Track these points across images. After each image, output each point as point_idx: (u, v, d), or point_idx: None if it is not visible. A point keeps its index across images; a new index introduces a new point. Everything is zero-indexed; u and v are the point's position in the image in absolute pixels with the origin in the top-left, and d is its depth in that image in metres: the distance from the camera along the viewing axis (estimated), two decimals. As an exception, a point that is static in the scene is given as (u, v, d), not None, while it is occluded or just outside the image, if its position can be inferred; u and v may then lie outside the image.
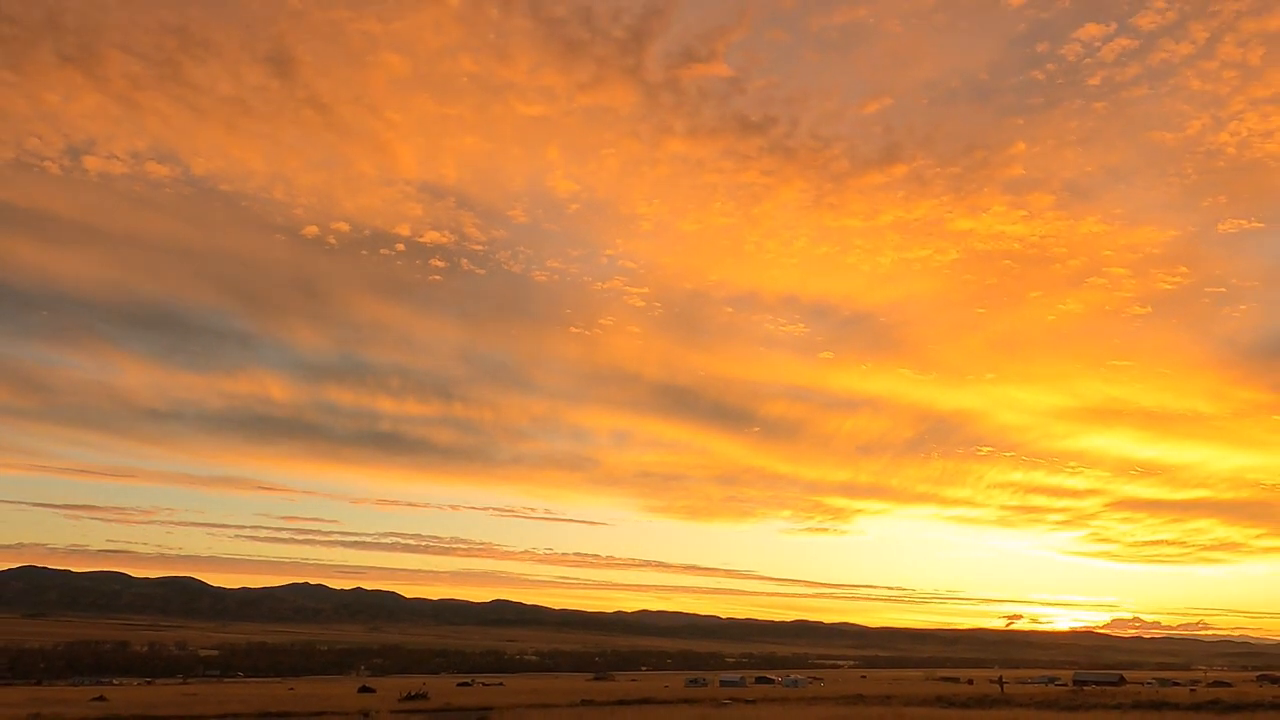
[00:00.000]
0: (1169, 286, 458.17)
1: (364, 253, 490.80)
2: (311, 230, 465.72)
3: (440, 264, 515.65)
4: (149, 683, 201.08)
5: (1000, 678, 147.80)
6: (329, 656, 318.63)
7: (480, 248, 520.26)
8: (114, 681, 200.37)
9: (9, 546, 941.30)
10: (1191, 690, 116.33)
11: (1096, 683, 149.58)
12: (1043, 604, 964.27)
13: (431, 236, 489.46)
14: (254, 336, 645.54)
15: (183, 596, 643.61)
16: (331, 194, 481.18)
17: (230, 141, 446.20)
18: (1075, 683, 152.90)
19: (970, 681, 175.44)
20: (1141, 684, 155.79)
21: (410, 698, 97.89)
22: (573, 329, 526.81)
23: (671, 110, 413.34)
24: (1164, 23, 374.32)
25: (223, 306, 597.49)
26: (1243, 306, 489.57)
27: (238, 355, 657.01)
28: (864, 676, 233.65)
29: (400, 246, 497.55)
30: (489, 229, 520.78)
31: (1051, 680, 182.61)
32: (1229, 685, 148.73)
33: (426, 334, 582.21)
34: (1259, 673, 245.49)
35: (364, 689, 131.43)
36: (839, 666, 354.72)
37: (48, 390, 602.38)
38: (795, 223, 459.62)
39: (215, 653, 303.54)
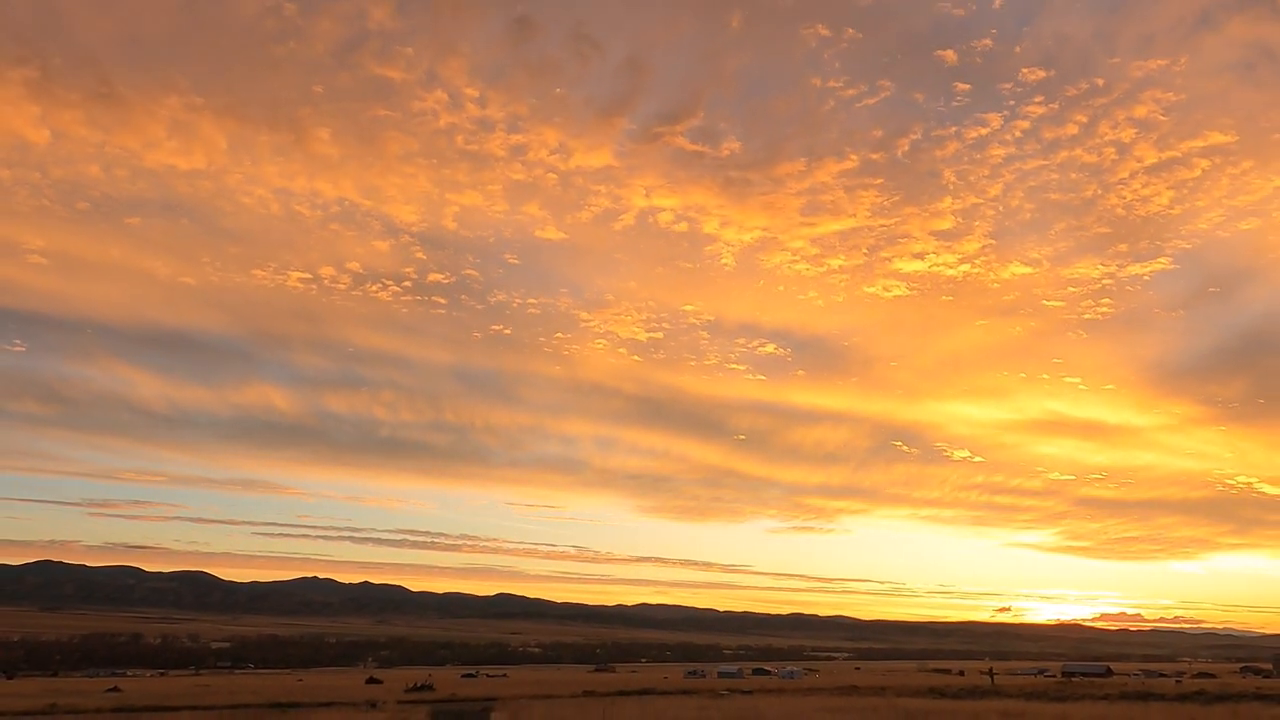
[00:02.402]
0: (1097, 317, 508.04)
1: (374, 287, 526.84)
2: (326, 271, 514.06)
3: (441, 300, 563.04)
4: (162, 674, 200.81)
5: (991, 669, 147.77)
6: (337, 649, 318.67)
7: (479, 286, 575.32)
8: (128, 673, 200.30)
9: (32, 543, 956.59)
10: (1177, 681, 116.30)
11: (1084, 674, 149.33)
12: (1027, 598, 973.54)
13: (434, 277, 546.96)
14: (255, 355, 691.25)
15: (195, 590, 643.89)
16: (342, 244, 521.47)
17: (252, 199, 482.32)
18: (1064, 674, 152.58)
19: (962, 673, 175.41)
20: (1128, 675, 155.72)
21: (416, 689, 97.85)
22: (563, 352, 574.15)
23: (637, 173, 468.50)
24: (1048, 113, 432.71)
25: (228, 331, 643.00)
26: (1166, 333, 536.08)
27: (241, 370, 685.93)
28: (858, 668, 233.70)
29: (407, 284, 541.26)
30: (486, 270, 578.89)
31: (1041, 672, 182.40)
32: (1213, 676, 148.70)
33: (422, 356, 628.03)
34: (1242, 664, 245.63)
35: (371, 680, 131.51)
36: (834, 658, 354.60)
37: (67, 401, 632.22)
38: (753, 267, 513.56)
39: (226, 645, 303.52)
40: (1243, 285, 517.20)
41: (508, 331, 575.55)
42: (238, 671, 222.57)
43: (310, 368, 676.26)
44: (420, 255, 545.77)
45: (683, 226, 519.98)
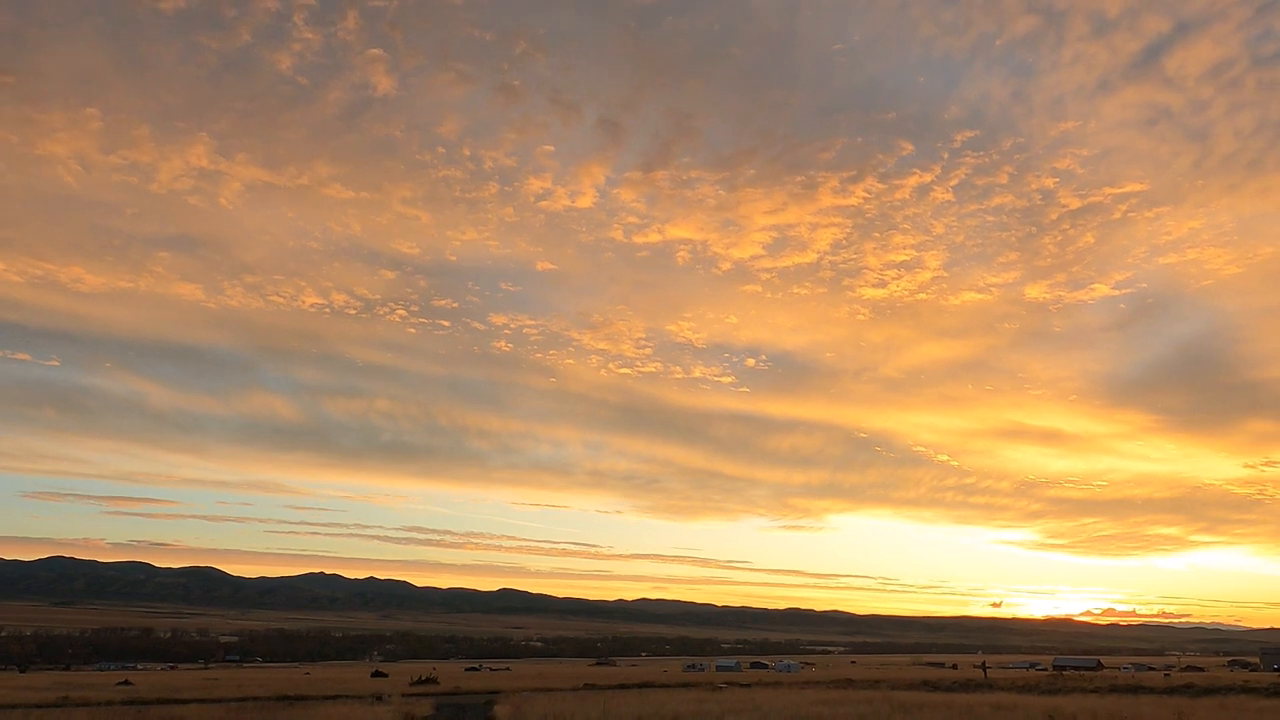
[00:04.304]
0: (1050, 336, 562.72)
1: (381, 311, 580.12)
2: (339, 298, 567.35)
3: (445, 323, 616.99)
4: (172, 668, 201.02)
5: (983, 663, 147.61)
6: (343, 643, 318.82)
7: (479, 310, 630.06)
8: (138, 666, 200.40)
9: (53, 540, 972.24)
10: (1166, 675, 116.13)
11: (1075, 667, 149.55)
12: (1015, 594, 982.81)
13: (438, 302, 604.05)
14: (259, 368, 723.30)
15: (204, 585, 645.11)
16: (352, 274, 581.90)
17: (270, 237, 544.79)
18: (1055, 667, 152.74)
19: (955, 666, 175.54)
20: (1118, 669, 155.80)
21: (421, 682, 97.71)
22: (558, 367, 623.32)
23: (616, 215, 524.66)
24: (980, 163, 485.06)
25: (235, 348, 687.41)
26: (1112, 351, 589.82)
27: (246, 380, 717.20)
28: (854, 662, 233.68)
29: (414, 308, 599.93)
30: (485, 295, 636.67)
31: (1032, 665, 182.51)
32: (1201, 670, 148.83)
33: (427, 370, 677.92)
34: (1230, 658, 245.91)
35: (377, 674, 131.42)
36: (830, 652, 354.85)
37: (84, 409, 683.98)
38: (728, 294, 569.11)
39: (235, 639, 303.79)
40: (1175, 311, 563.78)
41: (507, 349, 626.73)
42: (246, 665, 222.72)
43: (312, 381, 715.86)
44: (424, 283, 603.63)
45: (662, 260, 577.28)
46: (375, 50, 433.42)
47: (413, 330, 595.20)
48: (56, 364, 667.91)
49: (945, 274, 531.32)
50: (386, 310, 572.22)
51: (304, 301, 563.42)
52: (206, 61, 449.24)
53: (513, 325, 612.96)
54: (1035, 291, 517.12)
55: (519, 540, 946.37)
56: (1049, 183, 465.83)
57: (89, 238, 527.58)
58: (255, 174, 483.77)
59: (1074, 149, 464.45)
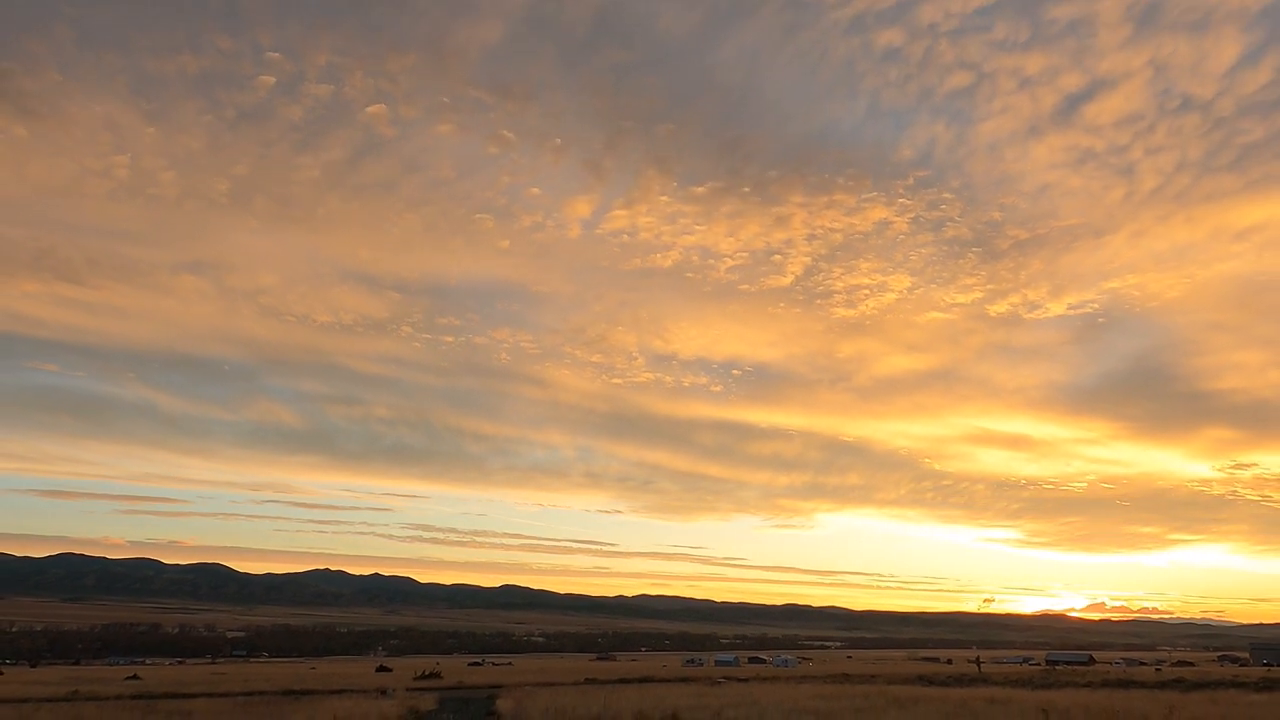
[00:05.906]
0: (1013, 350, 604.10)
1: (389, 327, 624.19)
2: (347, 317, 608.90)
3: (448, 339, 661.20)
4: (180, 663, 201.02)
5: (978, 658, 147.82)
6: (348, 638, 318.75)
7: (479, 327, 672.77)
8: (147, 661, 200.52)
9: (64, 538, 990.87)
10: (1157, 670, 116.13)
11: (1068, 662, 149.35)
12: (1007, 590, 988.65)
13: (441, 320, 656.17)
14: (263, 377, 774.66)
15: (211, 582, 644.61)
16: (357, 297, 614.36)
17: (284, 264, 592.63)
18: (1048, 662, 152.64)
19: (950, 661, 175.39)
20: (1110, 664, 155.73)
21: (425, 676, 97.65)
22: (554, 377, 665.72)
23: (603, 244, 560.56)
24: (931, 198, 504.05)
25: (241, 359, 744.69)
26: (1074, 363, 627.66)
27: (249, 388, 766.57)
28: (850, 657, 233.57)
29: (419, 325, 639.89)
30: (484, 314, 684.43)
31: (1026, 660, 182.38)
32: (1192, 665, 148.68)
33: (424, 380, 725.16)
34: (1219, 653, 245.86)
35: (381, 668, 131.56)
36: (827, 647, 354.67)
37: (96, 415, 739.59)
38: (704, 316, 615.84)
39: (242, 634, 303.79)
40: (1126, 328, 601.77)
41: (505, 360, 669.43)
42: (253, 660, 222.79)
43: (316, 390, 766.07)
44: (427, 303, 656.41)
45: (647, 283, 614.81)
46: (378, 106, 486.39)
47: (418, 345, 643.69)
48: (82, 375, 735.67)
49: (910, 296, 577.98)
50: (393, 327, 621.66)
51: (314, 320, 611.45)
52: (225, 114, 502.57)
53: (511, 340, 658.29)
54: (995, 310, 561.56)
55: (521, 538, 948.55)
56: (996, 215, 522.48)
57: (117, 264, 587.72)
58: (270, 208, 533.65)
59: (1015, 185, 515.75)
